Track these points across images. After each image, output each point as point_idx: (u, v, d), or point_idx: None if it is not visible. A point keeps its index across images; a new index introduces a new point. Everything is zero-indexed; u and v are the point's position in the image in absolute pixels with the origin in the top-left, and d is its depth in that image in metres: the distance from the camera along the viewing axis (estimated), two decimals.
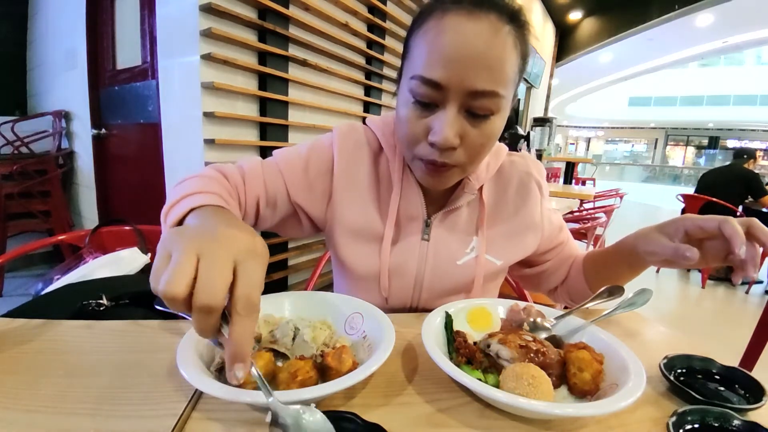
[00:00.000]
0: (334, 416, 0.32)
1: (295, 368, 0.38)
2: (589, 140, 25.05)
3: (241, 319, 0.28)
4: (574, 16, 6.65)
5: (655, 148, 22.91)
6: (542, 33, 6.21)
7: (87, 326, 0.51)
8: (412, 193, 0.61)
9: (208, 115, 1.58)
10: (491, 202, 0.65)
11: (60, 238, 1.00)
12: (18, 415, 0.34)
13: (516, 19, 0.48)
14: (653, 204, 9.15)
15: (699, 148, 22.46)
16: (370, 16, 2.26)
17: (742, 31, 7.42)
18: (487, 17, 0.46)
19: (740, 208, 3.27)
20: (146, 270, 0.82)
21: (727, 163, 3.52)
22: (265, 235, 1.78)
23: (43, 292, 0.66)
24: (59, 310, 0.56)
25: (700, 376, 0.44)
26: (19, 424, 0.33)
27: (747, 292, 3.13)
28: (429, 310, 0.51)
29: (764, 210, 3.14)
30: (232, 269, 0.29)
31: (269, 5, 1.64)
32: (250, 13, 1.65)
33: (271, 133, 1.83)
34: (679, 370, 0.44)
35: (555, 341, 0.49)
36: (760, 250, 0.44)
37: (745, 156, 3.37)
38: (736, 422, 0.35)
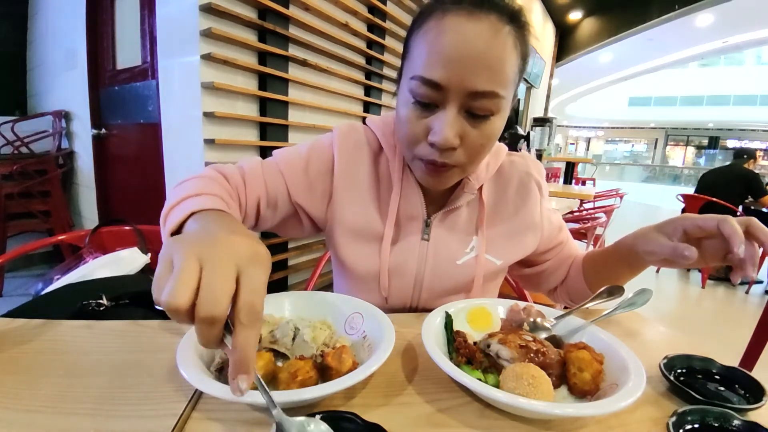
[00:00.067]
0: (334, 416, 0.32)
1: (295, 368, 0.38)
2: (589, 140, 25.05)
3: (244, 328, 0.27)
4: (574, 16, 6.65)
5: (655, 148, 22.91)
6: (542, 33, 6.21)
7: (87, 326, 0.51)
8: (412, 192, 0.61)
9: (208, 115, 1.58)
10: (491, 201, 0.65)
11: (60, 238, 1.00)
12: (18, 415, 0.34)
13: (516, 20, 0.48)
14: (653, 204, 9.15)
15: (699, 148, 22.47)
16: (370, 16, 2.26)
17: (742, 31, 7.42)
18: (487, 18, 0.46)
19: (740, 208, 3.27)
20: (146, 270, 0.82)
21: (727, 163, 3.52)
22: (265, 235, 1.78)
23: (43, 292, 0.66)
24: (59, 310, 0.56)
25: (700, 376, 0.44)
26: (19, 424, 0.33)
27: (747, 292, 3.13)
28: (429, 310, 0.51)
29: (764, 210, 3.14)
30: (235, 277, 0.28)
31: (269, 5, 1.64)
32: (250, 13, 1.65)
33: (271, 133, 1.83)
34: (679, 370, 0.44)
35: (555, 341, 0.49)
36: (760, 249, 0.44)
37: (745, 156, 3.37)
38: (736, 422, 0.35)
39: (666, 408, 0.39)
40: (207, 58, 1.52)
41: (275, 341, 0.44)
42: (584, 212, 2.54)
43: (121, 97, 2.13)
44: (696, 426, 0.35)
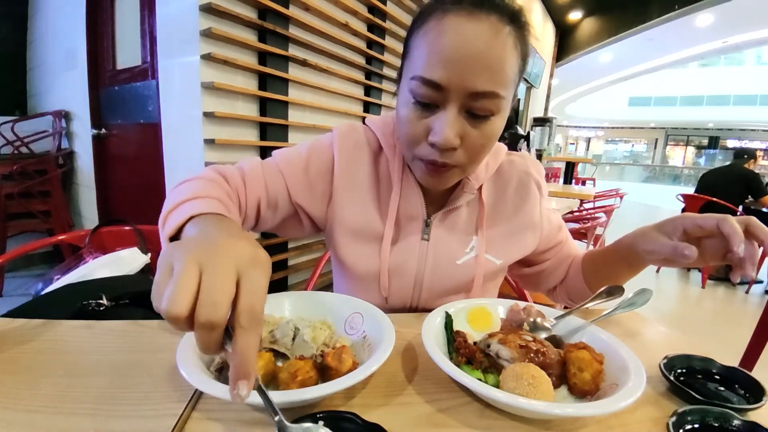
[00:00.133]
0: (334, 416, 0.32)
1: (295, 368, 0.38)
2: (589, 140, 25.05)
3: (244, 332, 0.26)
4: (574, 16, 6.65)
5: (655, 148, 22.91)
6: (542, 33, 6.21)
7: (87, 326, 0.51)
8: (412, 192, 0.61)
9: (208, 115, 1.58)
10: (491, 201, 0.65)
11: (60, 238, 1.00)
12: (18, 415, 0.34)
13: (516, 20, 0.48)
14: (653, 204, 9.15)
15: (699, 148, 22.47)
16: (370, 16, 2.26)
17: (742, 31, 7.43)
18: (487, 18, 0.46)
19: (740, 208, 3.27)
20: (146, 270, 0.82)
21: (728, 163, 3.52)
22: (265, 235, 1.78)
23: (43, 292, 0.66)
24: (59, 310, 0.56)
25: (700, 376, 0.44)
26: (19, 424, 0.33)
27: (747, 292, 3.13)
28: (429, 310, 0.51)
29: (764, 210, 3.14)
30: (235, 281, 0.27)
31: (269, 5, 1.64)
32: (250, 13, 1.65)
33: (271, 133, 1.83)
34: (679, 370, 0.44)
35: (555, 341, 0.49)
36: (759, 248, 0.44)
37: (746, 156, 3.37)
38: (736, 422, 0.35)
39: (666, 408, 0.39)
40: (207, 58, 1.52)
41: (275, 341, 0.44)
42: (584, 212, 2.54)
43: (121, 97, 2.13)
44: (696, 426, 0.35)
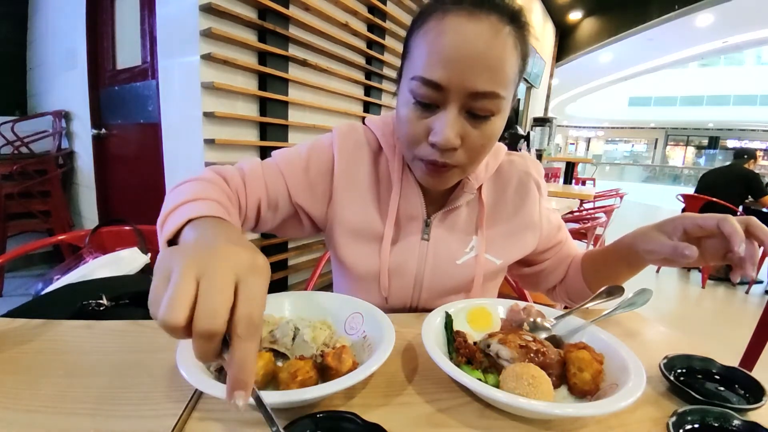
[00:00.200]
0: (334, 416, 0.32)
1: (295, 368, 0.38)
2: (589, 140, 25.06)
3: (242, 341, 0.26)
4: (574, 16, 6.65)
5: (655, 148, 22.91)
6: (542, 33, 6.21)
7: (87, 326, 0.51)
8: (412, 192, 0.61)
9: (208, 115, 1.58)
10: (490, 201, 0.65)
11: (60, 238, 1.00)
12: (18, 415, 0.34)
13: (516, 20, 0.48)
14: (653, 204, 9.15)
15: (699, 148, 22.47)
16: (370, 16, 2.26)
17: (742, 31, 7.43)
18: (487, 18, 0.46)
19: (740, 208, 3.27)
20: (146, 270, 0.82)
21: (728, 163, 3.52)
22: (265, 235, 1.78)
23: (43, 292, 0.66)
24: (59, 310, 0.56)
25: (700, 376, 0.44)
26: (19, 424, 0.33)
27: (747, 292, 3.13)
28: (429, 310, 0.51)
29: (764, 210, 3.14)
30: (233, 288, 0.27)
31: (269, 5, 1.64)
32: (250, 13, 1.65)
33: (271, 133, 1.83)
34: (679, 370, 0.44)
35: (555, 341, 0.49)
36: (760, 248, 0.44)
37: (746, 156, 3.37)
38: (736, 422, 0.35)
39: (666, 408, 0.39)
40: (207, 58, 1.52)
41: (275, 341, 0.44)
42: (584, 212, 2.54)
43: (121, 97, 2.13)
44: (696, 426, 0.35)
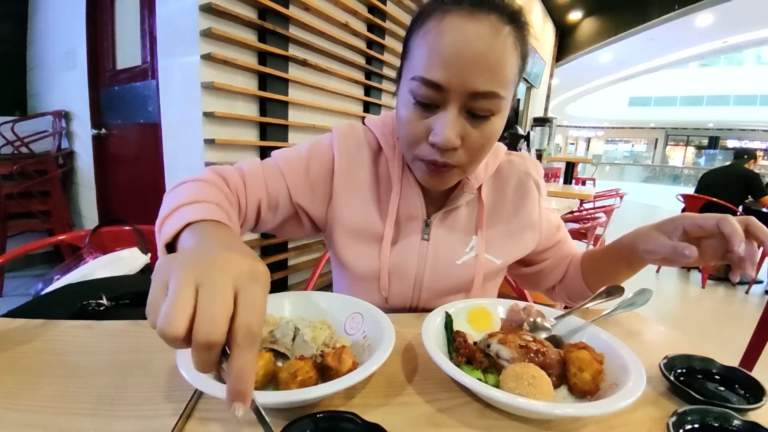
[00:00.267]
0: (334, 416, 0.32)
1: (295, 368, 0.38)
2: (589, 140, 25.05)
3: (241, 351, 0.25)
4: (574, 16, 6.65)
5: (655, 148, 22.91)
6: (542, 33, 6.21)
7: (87, 326, 0.51)
8: (412, 193, 0.61)
9: (208, 115, 1.58)
10: (490, 201, 0.65)
11: (60, 238, 1.00)
12: (18, 415, 0.34)
13: (516, 20, 0.48)
14: (653, 204, 9.15)
15: (699, 148, 22.46)
16: (370, 16, 2.26)
17: (742, 31, 7.42)
18: (487, 18, 0.46)
19: (740, 209, 3.27)
20: (146, 270, 0.82)
21: (728, 163, 3.52)
22: (265, 235, 1.78)
23: (43, 292, 0.66)
24: (59, 310, 0.56)
25: (700, 376, 0.44)
26: (19, 424, 0.33)
27: (747, 292, 3.13)
28: (429, 310, 0.51)
29: (764, 210, 3.14)
30: (232, 297, 0.27)
31: (269, 5, 1.64)
32: (250, 13, 1.65)
33: (271, 133, 1.83)
34: (679, 370, 0.44)
35: (555, 341, 0.49)
36: (759, 248, 0.44)
37: (746, 156, 3.37)
38: (736, 422, 0.35)
39: (666, 408, 0.39)
40: (207, 58, 1.52)
41: (275, 341, 0.44)
42: (584, 212, 2.54)
43: (121, 97, 2.13)
44: (696, 426, 0.35)
